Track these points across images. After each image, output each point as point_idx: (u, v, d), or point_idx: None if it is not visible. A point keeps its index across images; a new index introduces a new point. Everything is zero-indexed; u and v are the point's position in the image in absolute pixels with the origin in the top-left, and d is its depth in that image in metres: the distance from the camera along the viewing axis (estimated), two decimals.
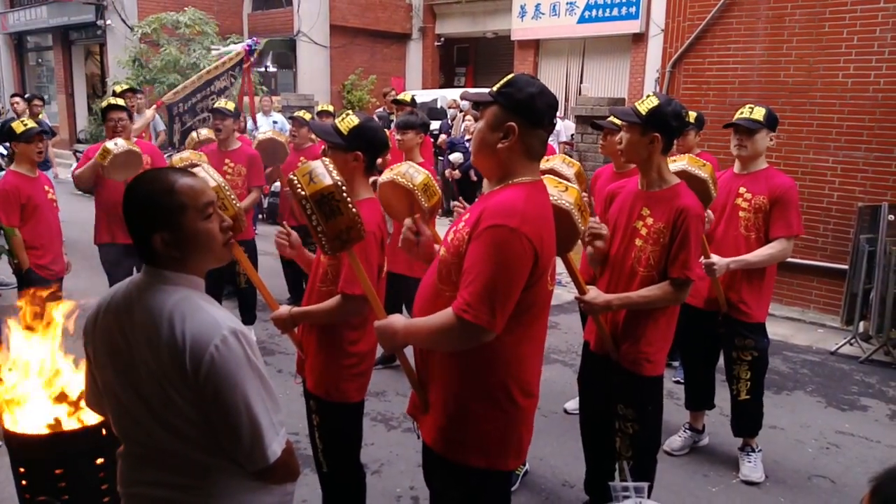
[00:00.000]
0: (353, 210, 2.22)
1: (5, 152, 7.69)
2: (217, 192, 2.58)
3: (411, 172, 3.21)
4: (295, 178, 2.22)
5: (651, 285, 2.79)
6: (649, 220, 2.82)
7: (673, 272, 2.75)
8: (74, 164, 12.72)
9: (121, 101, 5.18)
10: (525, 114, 1.99)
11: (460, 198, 3.31)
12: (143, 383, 1.57)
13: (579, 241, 3.01)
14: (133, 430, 1.64)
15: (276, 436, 1.63)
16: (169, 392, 1.54)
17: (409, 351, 2.21)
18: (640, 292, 2.79)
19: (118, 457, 1.72)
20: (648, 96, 2.85)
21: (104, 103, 5.19)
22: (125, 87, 7.95)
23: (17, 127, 4.42)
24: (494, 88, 2.04)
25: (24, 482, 2.69)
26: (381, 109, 11.16)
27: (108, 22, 16.54)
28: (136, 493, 1.67)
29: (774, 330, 6.01)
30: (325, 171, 2.22)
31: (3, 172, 7.02)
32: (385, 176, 3.16)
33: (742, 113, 3.67)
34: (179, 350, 1.52)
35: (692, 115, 4.75)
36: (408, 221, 2.39)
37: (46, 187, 4.58)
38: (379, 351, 3.06)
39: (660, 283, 2.78)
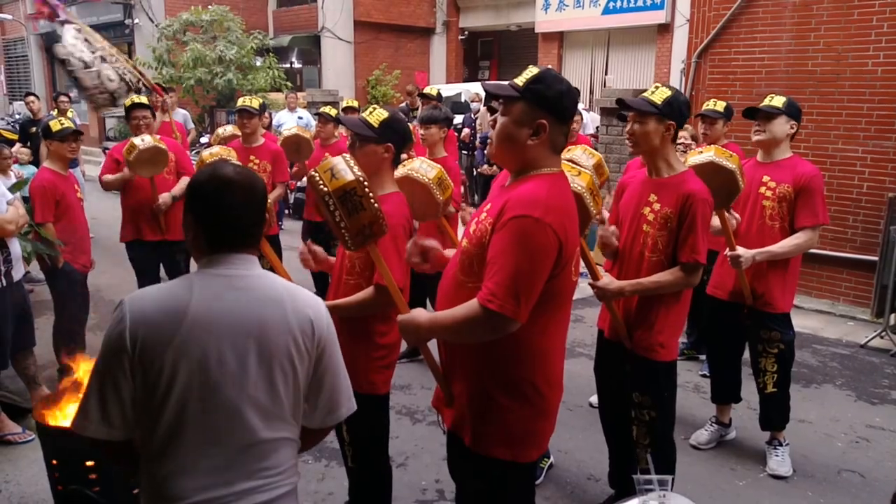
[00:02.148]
0: (376, 205, 2.24)
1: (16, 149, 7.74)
2: None
3: (425, 167, 3.25)
4: (316, 174, 2.24)
5: (660, 270, 2.82)
6: (656, 206, 2.86)
7: (682, 256, 2.79)
8: (103, 160, 12.95)
9: (143, 99, 5.26)
10: (554, 111, 2.00)
11: (466, 193, 3.35)
12: (267, 366, 1.61)
13: (599, 235, 3.04)
14: (226, 430, 1.59)
15: None
16: (296, 365, 1.65)
17: (432, 345, 2.23)
18: (651, 278, 2.83)
19: (160, 476, 1.60)
20: (657, 87, 2.90)
21: (128, 102, 5.26)
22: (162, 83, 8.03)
23: (54, 125, 4.50)
24: (520, 83, 2.03)
25: (56, 474, 2.77)
26: (403, 105, 11.19)
27: (136, 21, 16.78)
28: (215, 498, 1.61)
29: (804, 323, 5.95)
30: (346, 167, 2.24)
31: (28, 169, 7.20)
32: (399, 172, 3.20)
33: (764, 102, 3.66)
34: (308, 324, 1.67)
35: (721, 104, 4.71)
36: (410, 247, 2.43)
37: (75, 185, 4.67)
38: (402, 345, 3.08)
39: (670, 268, 2.82)
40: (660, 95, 2.83)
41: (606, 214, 3.30)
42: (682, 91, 3.99)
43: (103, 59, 5.94)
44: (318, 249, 2.88)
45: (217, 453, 1.59)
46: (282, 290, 1.68)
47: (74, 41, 5.86)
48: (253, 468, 1.63)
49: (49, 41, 21.20)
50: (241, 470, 1.62)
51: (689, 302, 3.00)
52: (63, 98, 9.96)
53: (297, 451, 1.76)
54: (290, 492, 1.71)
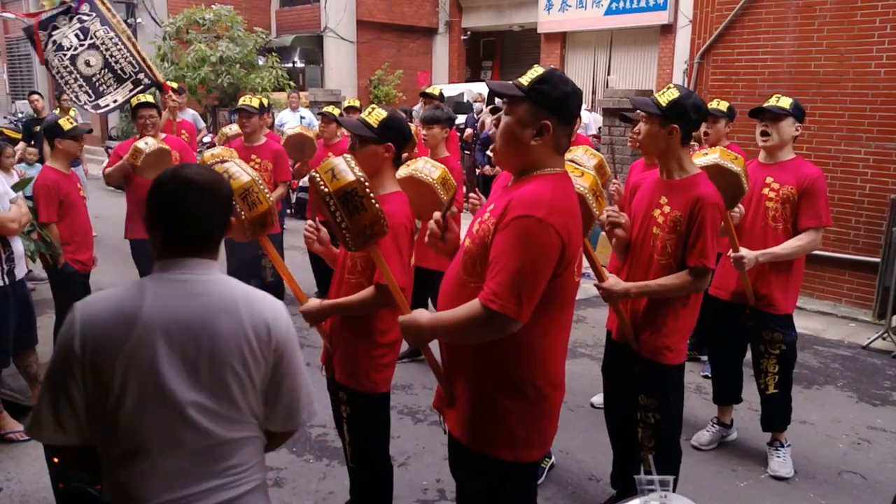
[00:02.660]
0: (377, 205, 2.24)
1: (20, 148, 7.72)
2: (251, 187, 2.63)
3: (428, 168, 3.25)
4: (317, 175, 2.24)
5: (668, 274, 2.80)
6: (666, 209, 2.84)
7: (690, 260, 2.76)
8: (106, 161, 12.96)
9: (150, 98, 5.26)
10: (559, 112, 2.00)
11: (476, 189, 3.34)
12: (220, 372, 1.59)
13: (606, 236, 3.03)
14: (182, 434, 1.58)
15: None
16: (251, 371, 1.63)
17: (433, 344, 2.23)
18: (657, 281, 2.81)
19: (119, 479, 1.60)
20: (669, 87, 2.85)
21: (134, 101, 5.26)
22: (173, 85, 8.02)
23: (65, 124, 4.50)
24: (524, 83, 2.02)
25: (57, 472, 2.77)
26: (417, 106, 11.08)
27: (139, 20, 16.79)
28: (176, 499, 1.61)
29: (805, 324, 5.95)
30: (347, 168, 2.24)
31: (36, 169, 7.20)
32: (402, 172, 3.19)
33: (769, 101, 3.65)
34: (264, 329, 1.64)
35: (724, 105, 4.70)
36: (437, 215, 2.40)
37: (78, 184, 4.68)
38: (404, 346, 3.09)
39: (678, 271, 2.79)
40: (666, 97, 2.77)
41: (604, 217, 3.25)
42: None
43: (93, 46, 5.87)
44: (325, 232, 2.87)
45: (177, 456, 1.59)
46: (237, 296, 1.65)
47: (64, 26, 5.83)
48: (216, 468, 1.63)
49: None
50: (203, 470, 1.62)
51: (699, 307, 2.96)
52: (66, 97, 9.95)
53: (263, 447, 1.77)
54: (257, 487, 1.71)
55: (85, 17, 5.97)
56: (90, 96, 5.82)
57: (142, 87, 5.75)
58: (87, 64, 5.96)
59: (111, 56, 5.85)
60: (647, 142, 2.85)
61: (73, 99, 5.79)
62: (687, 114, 2.77)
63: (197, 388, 1.58)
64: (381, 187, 2.68)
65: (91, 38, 5.93)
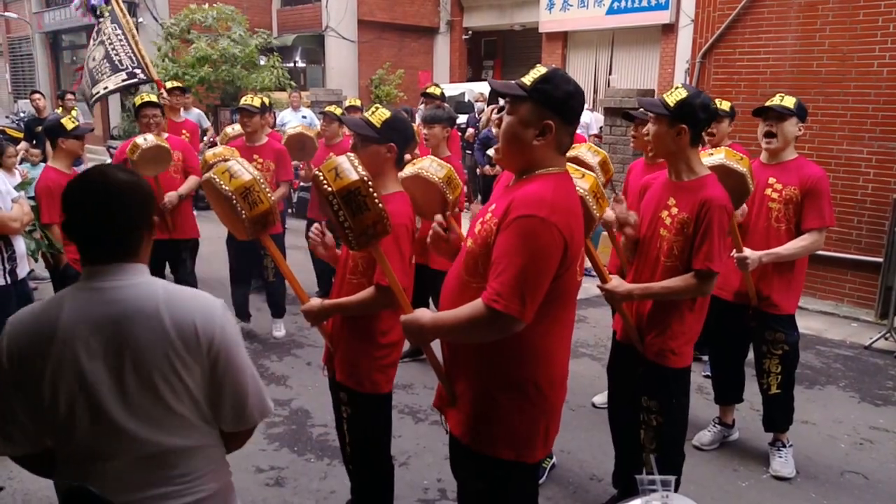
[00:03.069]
0: (380, 205, 2.23)
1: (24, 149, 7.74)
2: (252, 186, 2.63)
3: (434, 167, 3.24)
4: (320, 174, 2.23)
5: (674, 276, 2.77)
6: (674, 210, 2.81)
7: (696, 263, 2.72)
8: (108, 161, 12.92)
9: (154, 97, 5.25)
10: (561, 112, 1.99)
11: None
12: (148, 381, 1.55)
13: (607, 237, 3.02)
14: (117, 444, 1.57)
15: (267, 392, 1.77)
16: (182, 376, 1.57)
17: (435, 344, 2.23)
18: (661, 283, 2.78)
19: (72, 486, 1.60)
20: (677, 88, 2.82)
21: (138, 100, 5.26)
22: (173, 84, 8.03)
23: (67, 123, 4.49)
24: (527, 82, 2.01)
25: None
26: (422, 106, 11.05)
27: (141, 19, 16.80)
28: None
29: (808, 324, 5.94)
30: (350, 167, 2.23)
31: (33, 168, 7.19)
32: (408, 171, 3.18)
33: (773, 100, 3.64)
34: (191, 331, 1.57)
35: (726, 104, 4.69)
36: (438, 217, 2.39)
37: None
38: (405, 345, 3.08)
39: (684, 274, 2.76)
40: (674, 97, 2.74)
41: (611, 214, 3.23)
42: None
43: (100, 43, 5.93)
44: (329, 236, 2.86)
45: (118, 464, 1.57)
46: (157, 300, 1.58)
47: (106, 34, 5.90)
48: (163, 475, 1.60)
49: (53, 39, 21.30)
50: (148, 477, 1.59)
51: (706, 310, 2.92)
52: (69, 96, 9.98)
53: (220, 454, 1.74)
54: (210, 497, 1.67)
55: (100, 19, 6.06)
56: (90, 88, 5.87)
57: (136, 80, 5.77)
58: (93, 59, 6.02)
59: (112, 48, 5.91)
60: (656, 143, 2.82)
61: (81, 96, 5.83)
62: (696, 114, 2.74)
63: (126, 398, 1.54)
64: (382, 187, 2.67)
65: (100, 35, 5.99)
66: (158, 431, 1.57)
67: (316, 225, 2.88)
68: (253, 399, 1.70)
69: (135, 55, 5.84)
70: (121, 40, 5.89)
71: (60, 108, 9.77)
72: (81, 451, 1.59)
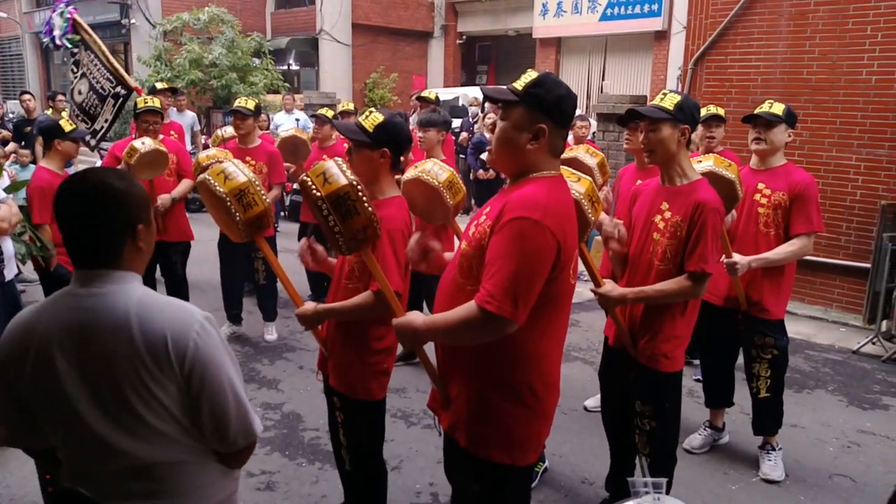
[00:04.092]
0: (370, 209, 2.23)
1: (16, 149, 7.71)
2: (247, 188, 2.62)
3: (436, 170, 3.21)
4: (308, 178, 2.21)
5: (667, 279, 2.79)
6: (667, 214, 2.83)
7: (689, 265, 2.74)
8: (98, 162, 12.86)
9: (157, 103, 5.25)
10: (554, 115, 2.01)
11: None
12: (120, 394, 1.50)
13: (601, 241, 3.03)
14: (99, 453, 1.55)
15: (254, 414, 1.68)
16: (154, 391, 1.51)
17: (428, 347, 2.24)
18: (655, 286, 2.79)
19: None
20: (666, 93, 2.87)
21: (140, 102, 5.26)
22: (165, 85, 8.01)
23: (66, 125, 4.48)
24: (519, 87, 2.03)
25: (48, 476, 2.75)
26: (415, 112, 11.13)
27: (133, 21, 16.77)
28: None
29: (796, 329, 5.98)
30: (339, 171, 2.22)
31: (22, 170, 7.17)
32: (410, 174, 3.17)
33: (762, 108, 3.67)
34: (161, 345, 1.50)
35: (721, 110, 4.73)
36: (416, 237, 2.37)
37: None
38: (398, 348, 3.09)
39: (677, 276, 2.78)
40: (670, 101, 2.78)
41: (605, 217, 3.25)
42: None
43: (83, 75, 5.94)
44: (319, 248, 2.83)
45: (100, 473, 1.56)
46: (129, 311, 1.51)
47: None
48: (147, 489, 1.57)
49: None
50: (131, 490, 1.56)
51: (697, 313, 2.95)
52: (60, 97, 9.94)
53: (213, 472, 1.67)
54: None
55: (75, 50, 6.06)
56: (87, 124, 5.89)
57: (121, 98, 5.78)
58: (79, 93, 6.02)
59: (93, 78, 5.92)
60: (660, 147, 2.81)
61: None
62: (693, 115, 2.83)
63: (101, 407, 1.51)
64: (379, 192, 2.67)
65: (81, 67, 6.00)
66: (136, 443, 1.53)
67: (303, 240, 2.85)
68: (235, 423, 1.61)
69: (109, 72, 5.84)
70: (96, 65, 5.89)
71: (51, 110, 9.73)
72: (73, 455, 1.59)
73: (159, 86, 7.60)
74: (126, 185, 1.60)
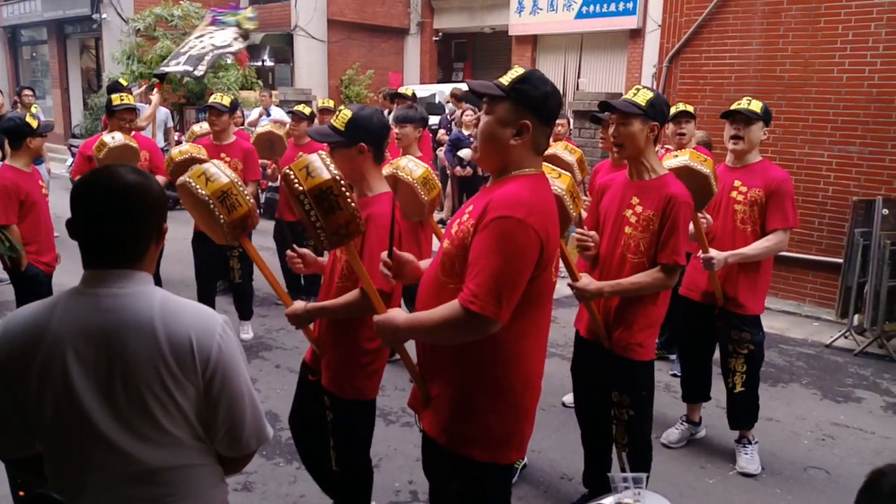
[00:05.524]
0: (353, 205, 2.20)
1: None
2: (229, 189, 2.57)
3: (411, 166, 3.21)
4: (291, 172, 2.16)
5: (640, 272, 2.87)
6: (638, 209, 2.89)
7: (662, 258, 2.84)
8: (69, 159, 12.64)
9: (132, 101, 5.20)
10: (539, 112, 2.01)
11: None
12: (137, 396, 1.48)
13: (576, 236, 3.05)
14: (103, 456, 1.50)
15: (266, 418, 1.68)
16: (173, 393, 1.49)
17: (409, 344, 2.22)
18: (630, 279, 2.87)
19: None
20: (639, 89, 2.93)
21: (116, 100, 5.19)
22: (130, 81, 7.95)
23: (32, 122, 4.39)
24: (505, 82, 2.02)
25: (19, 480, 2.69)
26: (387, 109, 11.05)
27: (104, 16, 16.48)
28: None
29: (770, 323, 6.05)
30: (322, 165, 2.17)
31: None
32: (385, 170, 3.15)
33: (740, 104, 3.70)
34: (186, 347, 1.49)
35: (690, 107, 4.79)
36: (384, 255, 2.28)
37: (40, 182, 4.57)
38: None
39: (650, 269, 2.86)
40: (643, 97, 2.87)
41: (585, 215, 3.32)
42: None
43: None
44: (307, 252, 2.79)
45: (105, 475, 1.51)
46: (153, 312, 1.49)
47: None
48: (149, 494, 1.54)
49: (12, 34, 20.77)
50: (135, 493, 1.53)
51: (667, 302, 3.05)
52: (27, 92, 9.77)
53: (214, 476, 1.66)
54: None
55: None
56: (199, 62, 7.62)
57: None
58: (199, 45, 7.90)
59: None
60: (630, 142, 2.89)
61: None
62: (664, 112, 2.91)
63: (114, 410, 1.47)
64: (368, 189, 2.62)
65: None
66: (148, 447, 1.51)
67: (289, 252, 2.82)
68: (250, 426, 1.61)
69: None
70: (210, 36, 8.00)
71: (19, 106, 9.54)
72: (69, 459, 1.53)
73: (124, 81, 7.64)
74: (150, 181, 1.59)
